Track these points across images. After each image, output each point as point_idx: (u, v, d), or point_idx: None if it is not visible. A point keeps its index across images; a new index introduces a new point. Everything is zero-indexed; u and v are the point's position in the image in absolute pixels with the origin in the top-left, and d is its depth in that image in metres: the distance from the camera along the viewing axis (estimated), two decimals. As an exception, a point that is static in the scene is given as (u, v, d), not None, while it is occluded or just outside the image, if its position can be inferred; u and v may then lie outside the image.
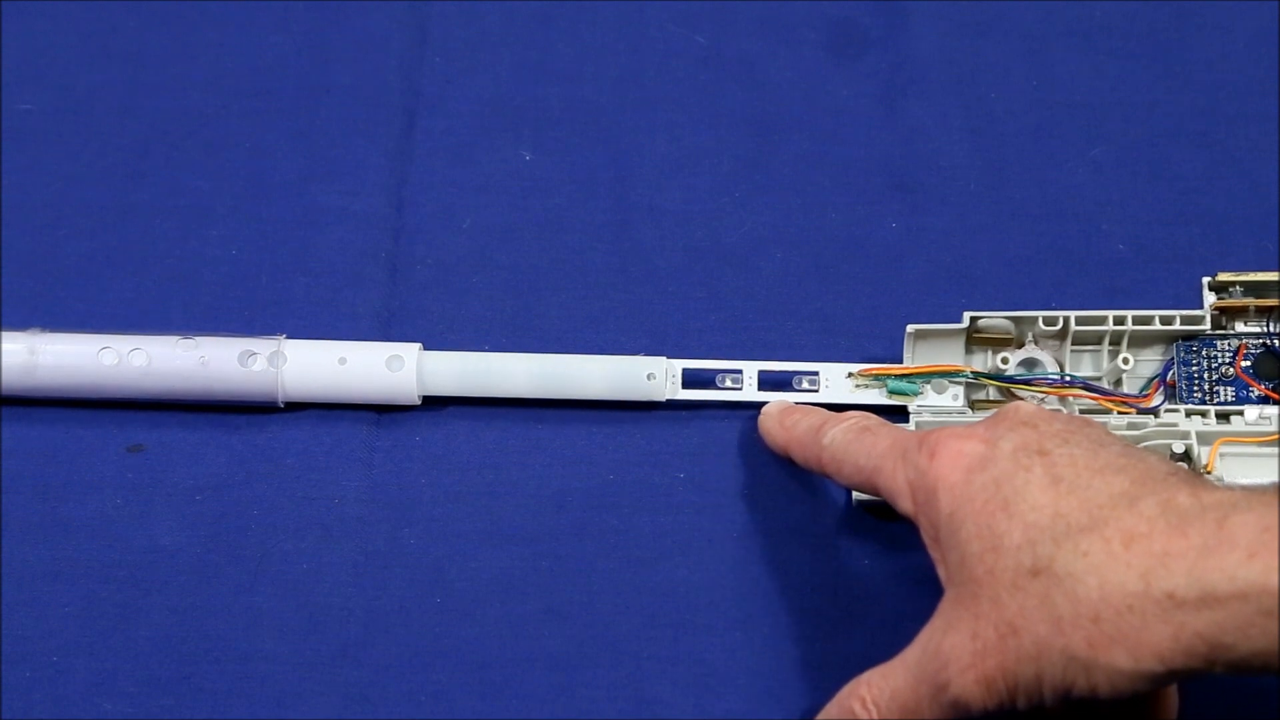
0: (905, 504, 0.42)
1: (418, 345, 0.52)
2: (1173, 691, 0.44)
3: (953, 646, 0.39)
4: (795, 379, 0.52)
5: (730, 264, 0.55)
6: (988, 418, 0.42)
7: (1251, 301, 0.50)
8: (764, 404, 0.51)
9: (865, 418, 0.47)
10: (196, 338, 0.52)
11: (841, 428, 0.46)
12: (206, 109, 0.58)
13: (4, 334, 0.52)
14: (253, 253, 0.56)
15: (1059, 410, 0.42)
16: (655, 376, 0.52)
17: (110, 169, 0.57)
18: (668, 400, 0.52)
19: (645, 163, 0.57)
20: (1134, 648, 0.35)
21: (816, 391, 0.52)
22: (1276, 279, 0.50)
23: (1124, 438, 0.48)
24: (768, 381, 0.52)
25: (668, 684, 0.49)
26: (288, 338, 0.52)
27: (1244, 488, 0.37)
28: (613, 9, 0.60)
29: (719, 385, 0.52)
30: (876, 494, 0.44)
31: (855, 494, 0.50)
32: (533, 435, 0.52)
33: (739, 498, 0.51)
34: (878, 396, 0.51)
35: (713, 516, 0.51)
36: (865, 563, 0.50)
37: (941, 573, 0.41)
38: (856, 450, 0.45)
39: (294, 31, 0.60)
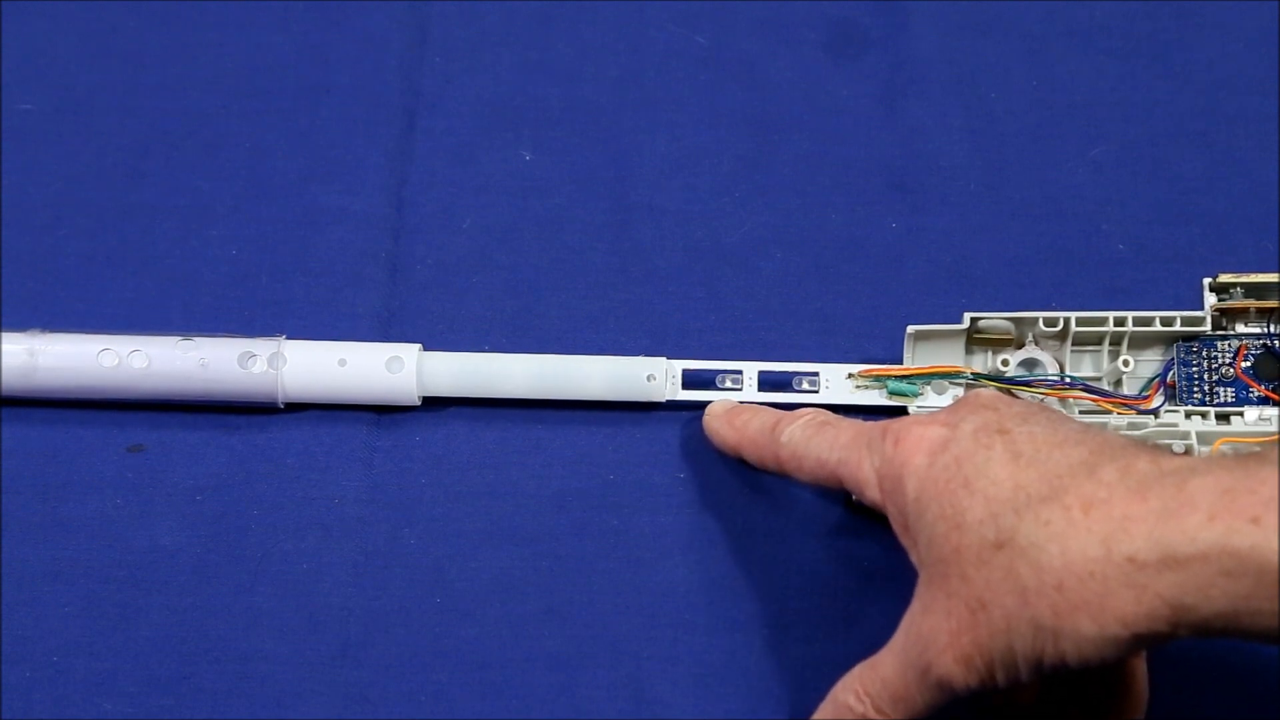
0: (873, 493, 0.43)
1: (418, 346, 0.52)
2: (1143, 671, 0.44)
3: (931, 628, 0.39)
4: (795, 379, 0.52)
5: (730, 264, 0.55)
6: (949, 405, 0.43)
7: (1252, 303, 0.50)
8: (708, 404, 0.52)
9: (820, 413, 0.47)
10: (196, 339, 0.52)
11: (800, 424, 0.47)
12: (206, 109, 0.58)
13: (4, 334, 0.52)
14: (253, 253, 0.56)
15: (1017, 396, 0.43)
16: (655, 377, 0.52)
17: (110, 169, 0.57)
18: (668, 401, 0.52)
19: (645, 163, 0.57)
20: (1098, 613, 0.36)
21: (816, 392, 0.52)
22: (1277, 280, 0.50)
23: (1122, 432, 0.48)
24: (768, 382, 0.52)
25: (668, 684, 0.49)
26: (288, 338, 0.52)
27: (1204, 455, 0.37)
28: (613, 9, 0.60)
29: (719, 386, 0.52)
30: (840, 486, 0.44)
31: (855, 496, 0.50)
32: (533, 435, 0.52)
33: (739, 498, 0.51)
34: (877, 397, 0.51)
35: (713, 516, 0.51)
36: (865, 563, 0.50)
37: (914, 557, 0.41)
38: (818, 444, 0.45)
39: (294, 31, 0.60)
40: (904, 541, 0.42)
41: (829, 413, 0.47)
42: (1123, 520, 0.36)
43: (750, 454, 0.49)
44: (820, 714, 0.43)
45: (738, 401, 0.51)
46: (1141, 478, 0.36)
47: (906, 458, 0.41)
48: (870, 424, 0.44)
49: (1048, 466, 0.38)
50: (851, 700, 0.42)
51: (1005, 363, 0.51)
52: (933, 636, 0.39)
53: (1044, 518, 0.37)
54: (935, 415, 0.42)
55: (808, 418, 0.47)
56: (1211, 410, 0.50)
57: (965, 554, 0.38)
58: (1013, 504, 0.38)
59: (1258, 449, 0.38)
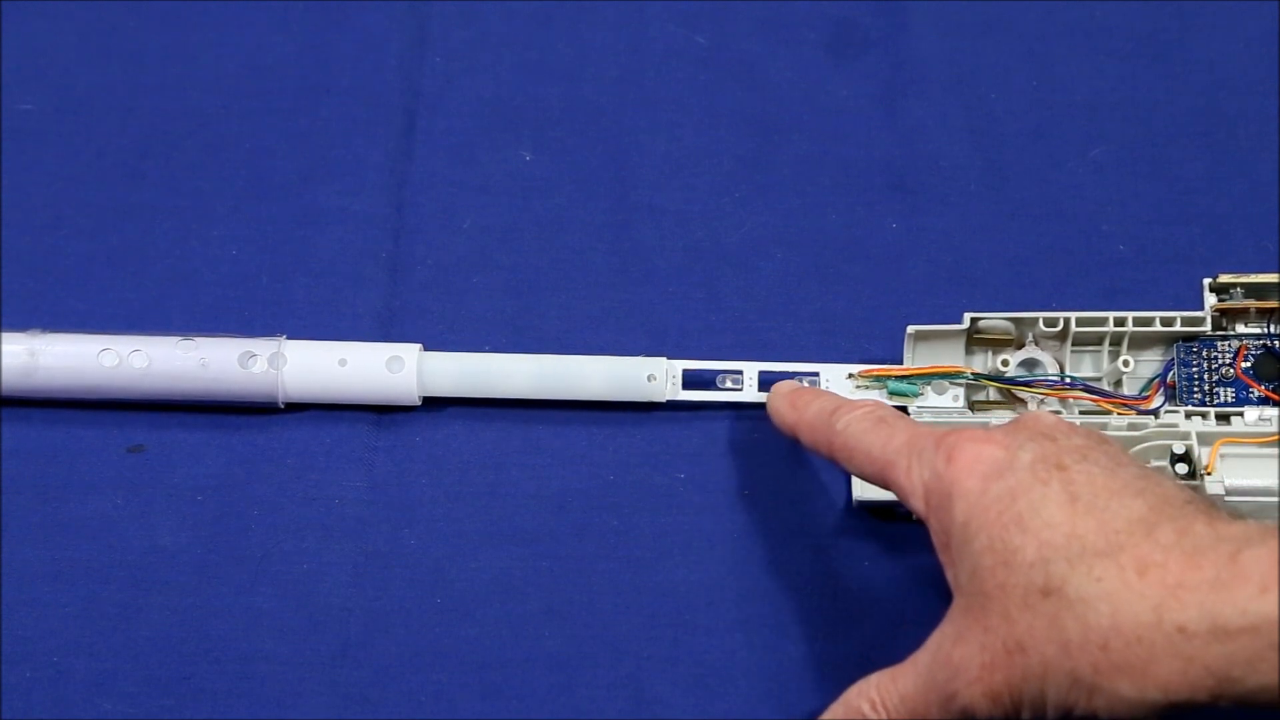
0: (918, 504, 0.42)
1: (418, 346, 0.52)
2: None
3: (962, 657, 0.39)
4: (795, 379, 0.52)
5: (730, 264, 0.55)
6: (1007, 424, 0.42)
7: (1252, 303, 0.50)
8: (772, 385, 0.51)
9: (880, 406, 0.46)
10: (196, 338, 0.52)
11: (857, 415, 0.46)
12: (206, 109, 0.58)
13: (4, 334, 0.52)
14: (253, 253, 0.56)
15: (1075, 424, 0.42)
16: (655, 377, 0.52)
17: (110, 169, 0.57)
18: (668, 401, 0.52)
19: (645, 163, 0.57)
20: (1139, 678, 0.35)
21: (816, 392, 0.52)
22: (1277, 280, 0.50)
23: (1125, 441, 0.48)
24: (768, 382, 0.52)
25: (668, 684, 0.49)
26: (288, 338, 0.52)
27: (1260, 523, 0.37)
28: (613, 9, 0.60)
29: (719, 386, 0.52)
30: (886, 487, 0.44)
31: (855, 494, 0.50)
32: (533, 435, 0.52)
33: (739, 498, 0.51)
34: (878, 397, 0.51)
35: (713, 516, 0.51)
36: (865, 563, 0.50)
37: (950, 577, 0.41)
38: (871, 440, 0.44)
39: (294, 31, 0.60)
40: (942, 559, 0.41)
41: (890, 408, 0.46)
42: (1176, 587, 0.35)
43: (806, 437, 0.48)
44: (830, 714, 0.43)
45: (804, 384, 0.51)
46: (1198, 543, 0.36)
47: (958, 477, 0.40)
48: (925, 430, 0.43)
49: (1105, 517, 0.37)
50: (866, 708, 0.42)
51: (1005, 363, 0.51)
52: (963, 666, 0.39)
53: (1097, 573, 0.36)
54: (992, 434, 0.41)
55: (867, 409, 0.46)
56: (1211, 410, 0.50)
57: (1011, 593, 0.38)
58: (1066, 552, 0.37)
59: None
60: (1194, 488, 0.47)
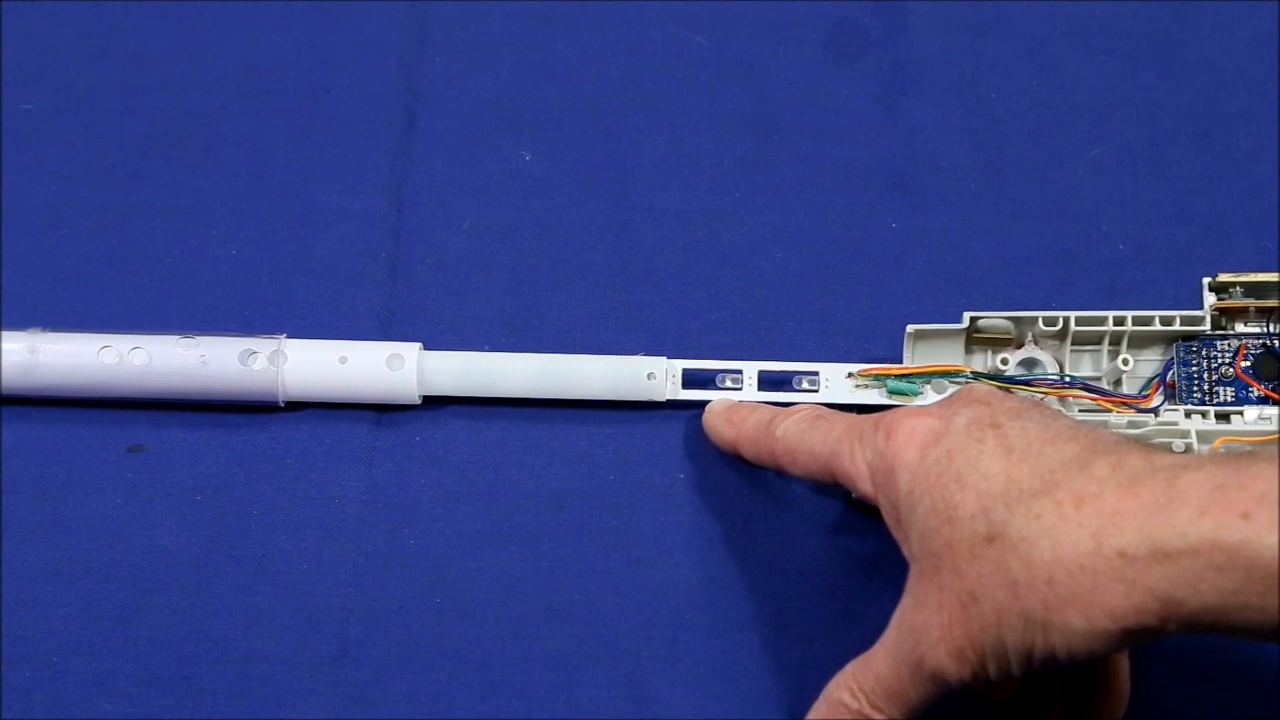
0: (865, 486, 0.43)
1: (418, 345, 0.52)
2: (1125, 669, 0.44)
3: (923, 622, 0.39)
4: (795, 379, 0.52)
5: (730, 264, 0.55)
6: (943, 398, 0.43)
7: (1252, 302, 0.50)
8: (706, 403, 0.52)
9: (816, 408, 0.47)
10: (196, 337, 0.52)
11: (795, 419, 0.47)
12: (206, 109, 0.58)
13: (4, 334, 0.52)
14: (253, 253, 0.56)
15: (1009, 392, 0.43)
16: (655, 376, 0.52)
17: (110, 169, 0.57)
18: (668, 400, 0.52)
19: (645, 163, 0.57)
20: (1087, 607, 0.36)
21: (816, 391, 0.52)
22: (1277, 280, 0.50)
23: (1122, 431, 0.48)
24: (768, 381, 0.52)
25: (668, 684, 0.49)
26: (288, 337, 0.52)
27: (1194, 453, 0.37)
28: (613, 9, 0.60)
29: (719, 385, 0.52)
30: (834, 480, 0.44)
31: (855, 493, 0.50)
32: (533, 435, 0.52)
33: (739, 498, 0.51)
34: (878, 397, 0.51)
35: (713, 516, 0.51)
36: (864, 562, 0.50)
37: (905, 551, 0.41)
38: (812, 438, 0.45)
39: (294, 31, 0.60)
40: (896, 535, 0.42)
41: (824, 408, 0.47)
42: (1113, 515, 0.36)
43: (747, 450, 0.49)
44: (815, 713, 0.43)
45: (736, 400, 0.51)
46: (1133, 473, 0.36)
47: (898, 451, 0.41)
48: (863, 416, 0.44)
49: (1040, 461, 0.38)
50: (845, 697, 0.42)
51: (1005, 362, 0.51)
52: (925, 630, 0.39)
53: (1035, 511, 0.37)
54: (928, 408, 0.42)
55: (803, 413, 0.47)
56: (1211, 410, 0.50)
57: (957, 548, 0.38)
58: (1004, 498, 0.38)
59: (1250, 448, 0.38)
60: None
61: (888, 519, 0.42)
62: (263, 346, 0.51)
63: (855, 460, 0.43)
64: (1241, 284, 0.50)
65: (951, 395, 0.43)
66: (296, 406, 0.52)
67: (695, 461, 0.52)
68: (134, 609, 0.50)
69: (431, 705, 0.49)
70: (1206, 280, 0.51)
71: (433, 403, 0.53)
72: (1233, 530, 0.34)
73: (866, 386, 0.52)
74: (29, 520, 0.51)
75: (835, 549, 0.51)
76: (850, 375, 0.52)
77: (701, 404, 0.52)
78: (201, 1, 0.60)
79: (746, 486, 0.52)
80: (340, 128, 0.58)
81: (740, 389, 0.52)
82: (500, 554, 0.51)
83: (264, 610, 0.50)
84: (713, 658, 0.49)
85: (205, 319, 0.54)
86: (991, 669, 0.38)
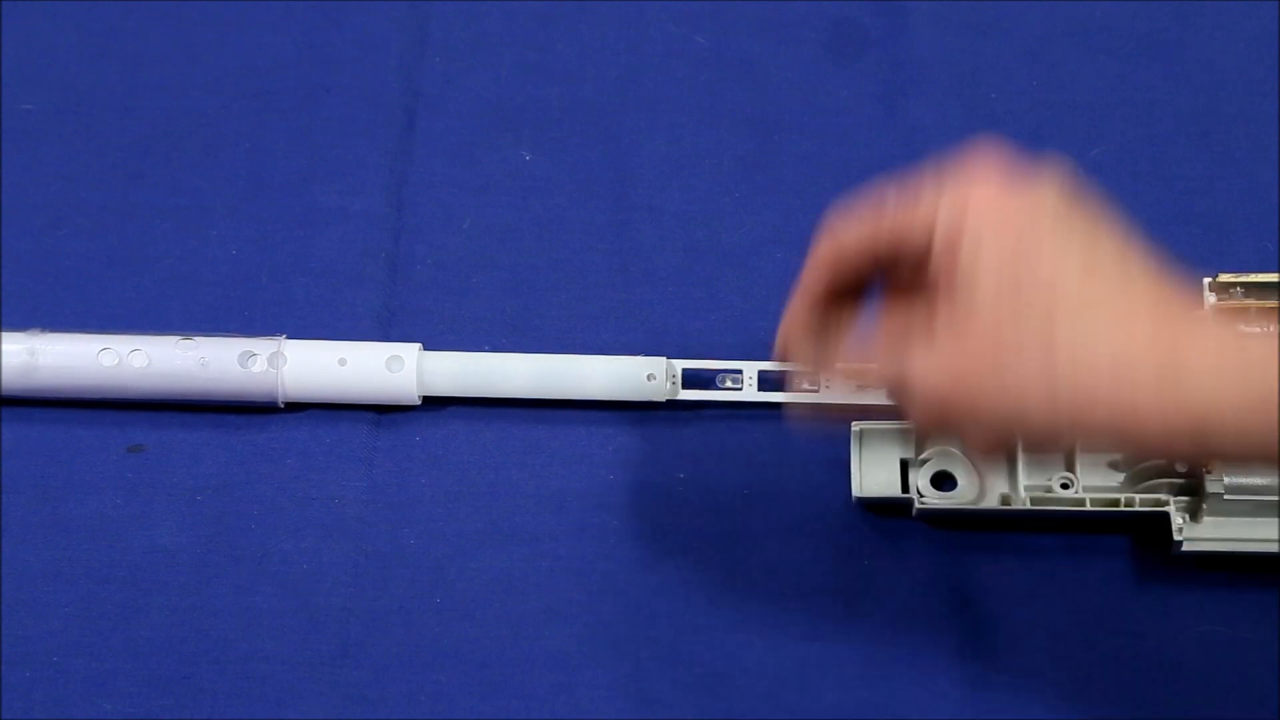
0: (925, 219, 0.41)
1: (418, 345, 0.52)
2: None
3: (928, 356, 0.39)
4: (796, 379, 0.52)
5: (730, 264, 0.55)
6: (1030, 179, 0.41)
7: (1252, 303, 0.50)
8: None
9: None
10: (196, 338, 0.52)
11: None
12: (206, 109, 0.58)
13: (4, 334, 0.52)
14: (253, 253, 0.56)
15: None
16: (655, 376, 0.52)
17: (110, 169, 0.57)
18: (668, 400, 0.52)
19: (645, 163, 0.57)
20: (1115, 410, 0.36)
21: (817, 391, 0.52)
22: (1277, 280, 0.50)
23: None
24: (768, 381, 0.52)
25: (668, 684, 0.49)
26: (288, 338, 0.52)
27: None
28: (613, 9, 0.60)
29: (719, 385, 0.52)
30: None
31: (855, 492, 0.50)
32: (533, 435, 0.52)
33: (739, 498, 0.51)
34: (877, 396, 0.51)
35: (713, 516, 0.51)
36: (865, 563, 0.50)
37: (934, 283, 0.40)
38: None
39: (294, 31, 0.60)
40: (934, 272, 0.40)
41: None
42: (1173, 342, 0.37)
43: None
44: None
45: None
46: (1192, 315, 0.38)
47: (981, 206, 0.39)
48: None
49: (1118, 280, 0.39)
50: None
51: (1005, 362, 0.51)
52: (925, 366, 0.39)
53: (1089, 318, 0.37)
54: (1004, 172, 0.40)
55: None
56: (1211, 410, 0.50)
57: (1008, 305, 0.38)
58: (1074, 294, 0.38)
59: None
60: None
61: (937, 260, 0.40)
62: (262, 348, 0.51)
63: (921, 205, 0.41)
64: (1242, 284, 0.50)
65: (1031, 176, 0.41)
66: (296, 407, 0.52)
67: (695, 461, 0.52)
68: (134, 609, 0.50)
69: (431, 705, 0.48)
70: (1207, 280, 0.51)
71: (433, 403, 0.53)
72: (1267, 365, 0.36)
73: (867, 387, 0.51)
74: (29, 520, 0.51)
75: (836, 549, 0.50)
76: (850, 375, 0.52)
77: (702, 404, 0.52)
78: (201, 1, 0.60)
79: (746, 487, 0.52)
80: (340, 128, 0.58)
81: (740, 389, 0.52)
82: (500, 554, 0.51)
83: (264, 610, 0.50)
84: (713, 658, 0.49)
85: (205, 319, 0.54)
86: (981, 431, 0.39)
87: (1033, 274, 0.38)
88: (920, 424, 0.41)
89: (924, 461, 0.50)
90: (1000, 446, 0.46)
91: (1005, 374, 0.37)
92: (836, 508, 0.51)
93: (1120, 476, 0.50)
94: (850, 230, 0.43)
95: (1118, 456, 0.49)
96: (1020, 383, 0.37)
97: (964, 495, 0.50)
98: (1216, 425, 0.36)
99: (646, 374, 0.52)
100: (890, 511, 0.51)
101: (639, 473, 0.52)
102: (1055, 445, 0.38)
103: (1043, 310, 0.38)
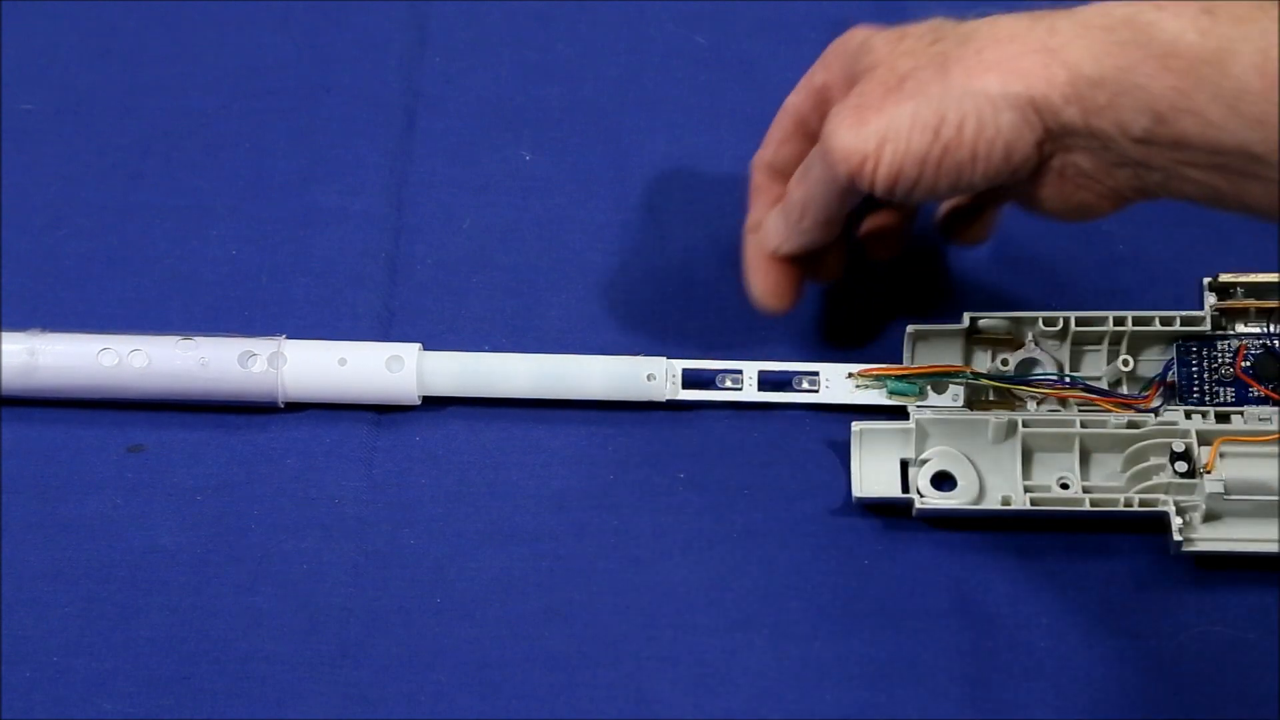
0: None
1: (418, 345, 0.52)
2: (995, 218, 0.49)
3: (841, 108, 0.42)
4: (795, 379, 0.52)
5: (730, 264, 0.55)
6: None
7: (1252, 303, 0.50)
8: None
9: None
10: (196, 338, 0.52)
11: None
12: (206, 109, 0.58)
13: (4, 334, 0.52)
14: (253, 253, 0.56)
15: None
16: (655, 376, 0.52)
17: (110, 169, 0.57)
18: (668, 400, 0.52)
19: (645, 163, 0.57)
20: (1005, 72, 0.39)
21: (816, 391, 0.52)
22: (1277, 280, 0.50)
23: (1124, 439, 0.49)
24: (768, 381, 0.52)
25: (668, 684, 0.49)
26: (288, 338, 0.52)
27: None
28: (613, 9, 0.60)
29: (719, 385, 0.52)
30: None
31: (855, 493, 0.50)
32: (533, 435, 0.52)
33: (739, 498, 0.51)
34: (878, 397, 0.51)
35: (713, 516, 0.51)
36: (865, 563, 0.50)
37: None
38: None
39: (294, 31, 0.60)
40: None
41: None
42: (1061, 23, 0.40)
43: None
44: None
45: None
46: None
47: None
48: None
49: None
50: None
51: (1005, 362, 0.51)
52: (837, 114, 0.42)
53: (976, 23, 0.41)
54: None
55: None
56: (1211, 410, 0.50)
57: (897, 57, 0.42)
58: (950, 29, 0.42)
59: None
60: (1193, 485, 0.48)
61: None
62: (262, 348, 0.51)
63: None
64: (1242, 284, 0.50)
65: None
66: (296, 407, 0.52)
67: (695, 461, 0.52)
68: (134, 609, 0.50)
69: (431, 705, 0.48)
70: (1207, 280, 0.51)
71: (433, 403, 0.53)
72: (1147, 14, 0.38)
73: (867, 387, 0.52)
74: (29, 520, 0.51)
75: (836, 549, 0.50)
76: (851, 375, 0.52)
77: (702, 404, 0.52)
78: (201, 1, 0.60)
79: (746, 487, 0.52)
80: (340, 128, 0.58)
81: (740, 389, 0.52)
82: (500, 554, 0.51)
83: (264, 610, 0.50)
84: (713, 658, 0.49)
85: (205, 319, 0.54)
86: (887, 154, 0.41)
87: (918, 41, 0.42)
88: (840, 175, 0.43)
89: (924, 461, 0.50)
90: (910, 184, 0.45)
91: (904, 97, 0.41)
92: (836, 509, 0.51)
93: (1121, 476, 0.50)
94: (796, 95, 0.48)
95: (1119, 456, 0.49)
96: (918, 85, 0.41)
97: (964, 495, 0.50)
98: (1087, 75, 0.39)
99: (646, 374, 0.52)
100: (890, 511, 0.51)
101: (639, 473, 0.52)
102: (956, 145, 0.41)
103: (934, 57, 0.41)
